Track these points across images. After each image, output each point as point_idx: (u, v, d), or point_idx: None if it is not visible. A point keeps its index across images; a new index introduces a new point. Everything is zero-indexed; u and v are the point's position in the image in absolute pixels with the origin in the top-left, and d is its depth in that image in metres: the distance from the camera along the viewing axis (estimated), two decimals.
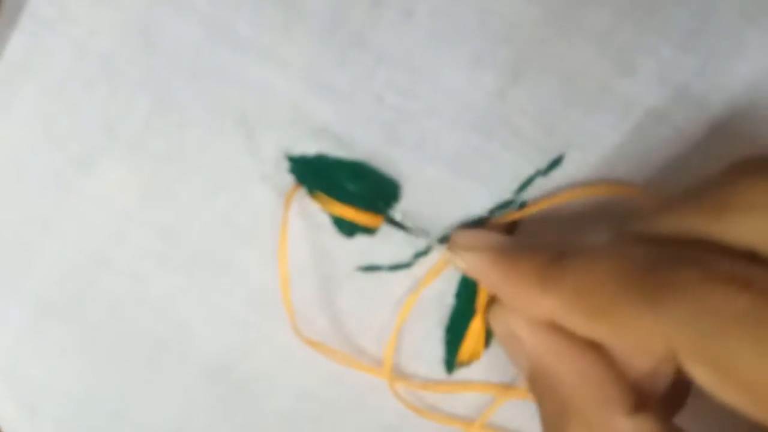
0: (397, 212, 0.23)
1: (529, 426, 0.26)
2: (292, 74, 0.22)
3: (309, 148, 0.22)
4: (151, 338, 0.24)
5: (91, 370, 0.25)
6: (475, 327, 0.25)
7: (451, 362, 0.25)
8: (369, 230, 0.23)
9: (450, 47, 0.22)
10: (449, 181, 0.23)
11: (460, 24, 0.22)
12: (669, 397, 0.21)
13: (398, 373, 0.25)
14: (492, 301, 0.23)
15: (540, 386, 0.21)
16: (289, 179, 0.23)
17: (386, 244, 0.23)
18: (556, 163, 0.23)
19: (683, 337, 0.17)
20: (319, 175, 0.22)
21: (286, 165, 0.22)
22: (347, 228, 0.23)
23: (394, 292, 0.24)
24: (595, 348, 0.20)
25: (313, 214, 0.23)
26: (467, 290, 0.24)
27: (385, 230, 0.23)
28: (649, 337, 0.18)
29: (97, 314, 0.24)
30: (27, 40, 0.21)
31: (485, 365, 0.25)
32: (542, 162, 0.23)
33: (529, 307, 0.20)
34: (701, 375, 0.17)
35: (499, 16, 0.22)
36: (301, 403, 0.25)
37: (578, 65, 0.22)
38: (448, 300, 0.25)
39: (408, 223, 0.23)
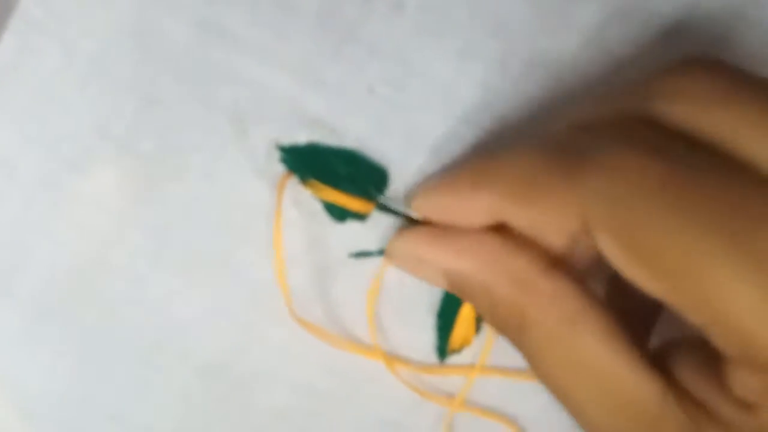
0: (386, 198, 0.23)
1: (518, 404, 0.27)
2: (284, 69, 0.22)
3: (300, 139, 0.23)
4: (148, 339, 0.24)
5: (87, 372, 0.25)
6: (466, 313, 0.25)
7: (443, 349, 0.26)
8: (360, 216, 0.23)
9: (439, 40, 0.22)
10: (436, 168, 0.23)
11: (449, 17, 0.22)
12: (636, 319, 0.22)
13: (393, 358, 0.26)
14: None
15: (463, 290, 0.21)
16: (281, 171, 0.23)
17: (375, 230, 0.24)
18: None
19: (594, 206, 0.18)
20: (310, 162, 0.23)
21: (277, 156, 0.23)
22: (338, 213, 0.23)
23: (384, 277, 0.25)
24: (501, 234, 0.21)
25: (304, 202, 0.23)
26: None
27: (375, 217, 0.24)
28: (565, 211, 0.18)
29: (93, 316, 0.24)
30: (17, 42, 0.21)
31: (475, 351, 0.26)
32: None
33: (469, 209, 0.21)
34: (609, 246, 0.17)
35: (488, 9, 0.22)
36: (298, 398, 0.25)
37: (563, 57, 0.23)
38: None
39: (397, 208, 0.23)
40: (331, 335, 0.25)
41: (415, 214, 0.23)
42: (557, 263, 0.20)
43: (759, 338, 0.16)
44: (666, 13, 0.23)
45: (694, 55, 0.19)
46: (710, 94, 0.18)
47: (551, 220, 0.19)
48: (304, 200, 0.23)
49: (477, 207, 0.20)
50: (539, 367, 0.20)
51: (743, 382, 0.17)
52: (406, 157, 0.23)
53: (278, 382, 0.25)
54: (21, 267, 0.24)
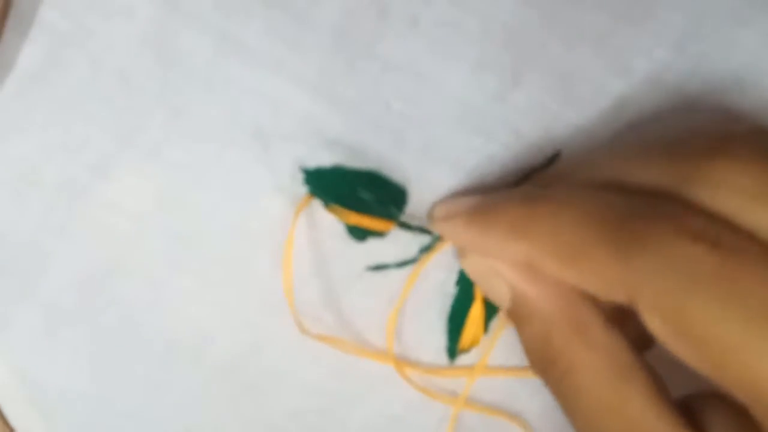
0: (405, 215, 0.24)
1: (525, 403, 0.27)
2: (302, 85, 0.22)
3: (322, 157, 0.23)
4: (164, 341, 0.25)
5: (105, 373, 0.25)
6: (475, 313, 0.26)
7: (453, 349, 0.26)
8: (379, 234, 0.24)
9: (453, 54, 0.22)
10: (452, 181, 0.24)
11: (462, 31, 0.22)
12: (636, 337, 0.22)
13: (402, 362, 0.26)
14: None
15: (521, 314, 0.21)
16: (303, 190, 0.23)
17: (393, 243, 0.24)
18: (552, 159, 0.24)
19: (645, 290, 0.18)
20: (333, 185, 0.23)
21: (300, 177, 0.23)
22: (360, 234, 0.24)
23: (401, 289, 0.25)
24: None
25: (325, 221, 0.24)
26: (467, 278, 0.25)
27: (394, 232, 0.24)
28: (613, 285, 0.19)
29: (111, 318, 0.24)
30: (41, 53, 0.21)
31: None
32: (541, 160, 0.24)
33: (503, 256, 0.21)
34: (657, 327, 0.18)
35: (500, 22, 0.22)
36: (309, 398, 0.26)
37: (575, 67, 0.23)
38: (449, 289, 0.25)
39: (415, 224, 0.24)
40: (345, 342, 0.25)
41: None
42: (618, 319, 0.20)
43: None
44: (677, 22, 0.23)
45: (738, 131, 0.19)
46: (755, 187, 0.18)
47: (592, 288, 0.19)
48: (325, 219, 0.24)
49: (512, 255, 0.20)
50: (578, 413, 0.20)
51: None
52: (423, 172, 0.23)
53: (290, 383, 0.26)
54: (42, 270, 0.24)
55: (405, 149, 0.23)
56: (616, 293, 0.19)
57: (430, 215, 0.23)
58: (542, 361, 0.21)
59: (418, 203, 0.24)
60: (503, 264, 0.21)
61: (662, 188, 0.19)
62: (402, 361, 0.26)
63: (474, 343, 0.26)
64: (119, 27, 0.21)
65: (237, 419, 0.26)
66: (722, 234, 0.18)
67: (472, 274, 0.23)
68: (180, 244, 0.24)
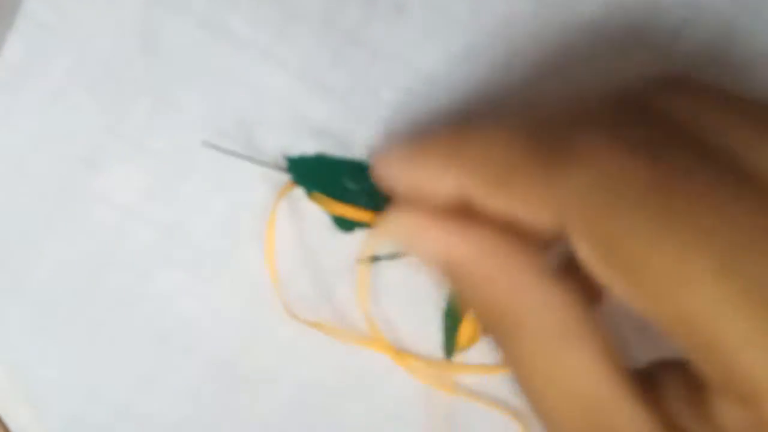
0: None
1: None
2: (289, 73, 0.22)
3: (308, 146, 0.23)
4: (155, 334, 0.25)
5: (94, 366, 0.25)
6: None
7: (450, 347, 0.26)
8: (367, 225, 0.23)
9: (443, 41, 0.22)
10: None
11: (451, 17, 0.22)
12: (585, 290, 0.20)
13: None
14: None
15: (457, 276, 0.19)
16: (287, 178, 0.23)
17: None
18: None
19: (572, 209, 0.16)
20: (317, 174, 0.23)
21: (284, 165, 0.23)
22: (346, 224, 0.23)
23: (392, 280, 0.25)
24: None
25: (310, 211, 0.23)
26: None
27: None
28: (540, 206, 0.17)
29: (101, 310, 0.24)
30: (26, 43, 0.21)
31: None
32: None
33: (436, 187, 0.19)
34: (586, 252, 0.16)
35: (491, 9, 0.22)
36: (304, 393, 0.26)
37: (570, 54, 0.23)
38: (446, 285, 0.25)
39: None
40: (337, 330, 0.25)
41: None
42: (556, 270, 0.18)
43: (743, 367, 0.14)
44: (670, 7, 0.22)
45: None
46: (716, 95, 0.16)
47: (523, 213, 0.17)
48: (311, 209, 0.23)
49: (445, 184, 0.19)
50: (522, 375, 0.18)
51: (726, 413, 0.16)
52: None
53: (284, 379, 0.26)
54: (31, 262, 0.24)
55: (394, 138, 0.23)
56: (544, 216, 0.17)
57: (372, 160, 0.22)
58: (488, 322, 0.19)
59: None
60: (433, 223, 0.19)
61: (613, 98, 0.18)
62: (398, 350, 0.25)
63: (472, 342, 0.26)
64: (103, 16, 0.21)
65: (229, 414, 0.26)
66: (665, 140, 0.16)
67: (398, 235, 0.21)
68: (169, 236, 0.24)
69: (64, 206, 0.23)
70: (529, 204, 0.17)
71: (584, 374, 0.17)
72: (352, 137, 0.23)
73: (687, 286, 0.14)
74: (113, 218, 0.23)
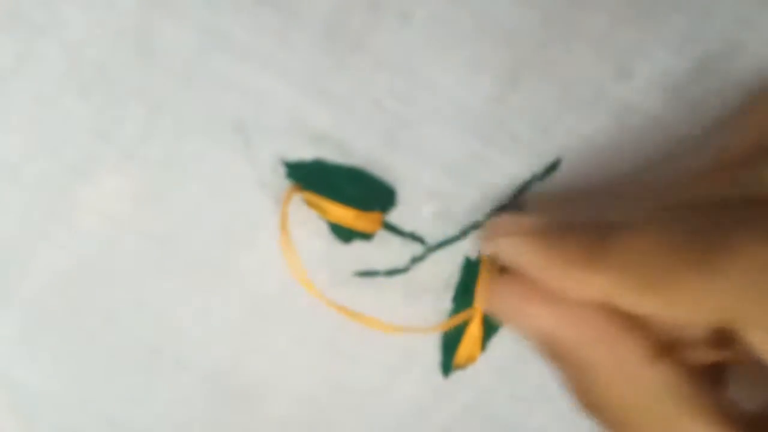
0: (394, 217, 0.23)
1: None
2: (289, 80, 0.22)
3: (306, 153, 0.22)
4: (148, 345, 0.24)
5: (87, 378, 0.25)
6: (473, 331, 0.25)
7: (447, 365, 0.25)
8: (366, 236, 0.23)
9: (448, 52, 0.22)
10: (446, 186, 0.23)
11: (457, 28, 0.22)
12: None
13: (397, 379, 0.25)
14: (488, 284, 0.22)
15: (557, 355, 0.20)
16: (286, 185, 0.22)
17: (383, 249, 0.23)
18: (552, 167, 0.23)
19: (741, 302, 0.16)
20: (316, 180, 0.22)
21: (283, 171, 0.22)
22: (344, 234, 0.23)
23: (390, 298, 0.24)
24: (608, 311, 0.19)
25: (309, 221, 0.23)
26: (464, 294, 0.24)
27: (382, 236, 0.23)
28: (704, 307, 0.17)
29: (93, 321, 0.24)
30: (16, 46, 0.21)
31: None
32: (540, 166, 0.23)
33: (577, 288, 0.19)
34: (761, 341, 0.16)
35: (497, 20, 0.22)
36: (299, 407, 0.25)
37: (576, 69, 0.22)
38: (446, 304, 0.25)
39: (404, 229, 0.23)
40: (363, 316, 0.24)
41: (432, 252, 0.22)
42: (668, 348, 0.19)
43: None
44: (677, 22, 0.22)
45: None
46: None
47: (681, 314, 0.18)
48: (310, 219, 0.23)
49: (587, 287, 0.19)
50: None
51: None
52: (414, 173, 0.23)
53: (278, 391, 0.25)
54: (22, 271, 0.24)
55: (395, 149, 0.22)
56: (707, 315, 0.17)
57: (488, 229, 0.22)
58: (589, 404, 0.19)
59: (407, 206, 0.23)
60: (534, 306, 0.20)
61: (745, 194, 0.18)
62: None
63: (470, 361, 0.25)
64: (97, 18, 0.21)
65: (222, 426, 0.25)
66: None
67: (498, 312, 0.22)
68: (162, 245, 0.23)
69: (56, 215, 0.23)
70: (687, 304, 0.17)
71: None
72: (353, 145, 0.22)
73: None
74: (105, 228, 0.23)
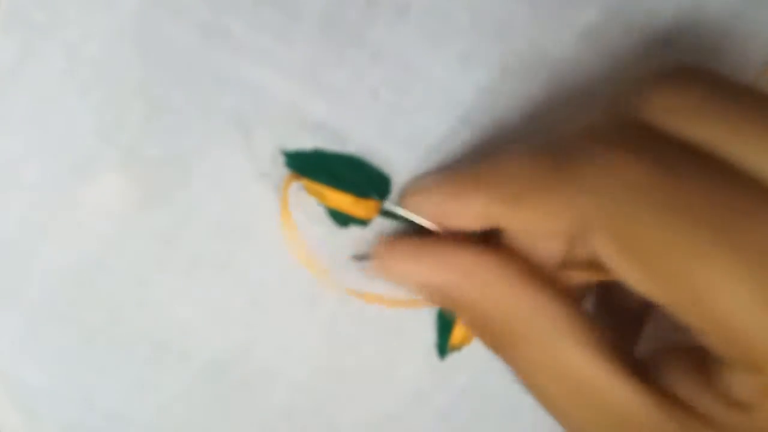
0: (389, 203, 0.23)
1: None
2: (287, 73, 0.22)
3: (304, 144, 0.23)
4: (151, 340, 0.24)
5: (90, 374, 0.25)
6: None
7: (443, 347, 0.26)
8: (362, 222, 0.24)
9: (441, 44, 0.22)
10: (430, 168, 0.24)
11: (451, 21, 0.22)
12: (624, 328, 0.22)
13: (394, 363, 0.26)
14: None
15: (449, 301, 0.21)
16: (284, 174, 0.23)
17: (377, 234, 0.24)
18: None
19: (589, 206, 0.18)
20: (314, 168, 0.23)
21: (282, 161, 0.23)
22: (342, 219, 0.23)
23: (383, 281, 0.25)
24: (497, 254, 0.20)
25: (307, 207, 0.23)
26: None
27: (377, 221, 0.24)
28: (559, 211, 0.18)
29: (96, 317, 0.24)
30: (16, 46, 0.21)
31: None
32: None
33: (463, 210, 0.21)
34: (604, 246, 0.18)
35: (491, 14, 0.22)
36: (300, 397, 0.26)
37: (565, 59, 0.23)
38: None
39: (400, 213, 0.23)
40: (380, 296, 0.25)
41: (420, 220, 0.23)
42: (546, 276, 0.20)
43: (754, 338, 0.16)
44: (664, 14, 0.23)
45: (683, 65, 0.19)
46: (700, 105, 0.18)
47: (545, 223, 0.19)
48: (308, 205, 0.23)
49: (472, 210, 0.20)
50: (525, 377, 0.20)
51: (738, 383, 0.17)
52: (409, 162, 0.23)
53: (280, 382, 0.25)
54: (25, 269, 0.24)
55: (391, 139, 0.23)
56: (567, 223, 0.18)
57: (403, 194, 0.23)
58: (491, 342, 0.21)
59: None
60: (409, 254, 0.21)
61: (611, 118, 0.19)
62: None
63: (465, 342, 0.26)
64: (98, 17, 0.21)
65: (226, 419, 0.26)
66: (662, 148, 0.18)
67: (386, 273, 0.22)
68: (164, 242, 0.23)
69: (59, 214, 0.23)
70: (547, 212, 0.19)
71: (581, 365, 0.19)
72: (350, 135, 0.23)
73: (695, 267, 0.16)
74: (107, 225, 0.23)
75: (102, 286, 0.24)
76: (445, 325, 0.26)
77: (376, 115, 0.23)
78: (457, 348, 0.26)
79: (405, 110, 0.23)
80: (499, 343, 0.20)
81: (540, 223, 0.19)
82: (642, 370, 0.19)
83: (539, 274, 0.20)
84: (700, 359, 0.18)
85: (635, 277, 0.17)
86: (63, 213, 0.23)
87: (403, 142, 0.23)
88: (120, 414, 0.25)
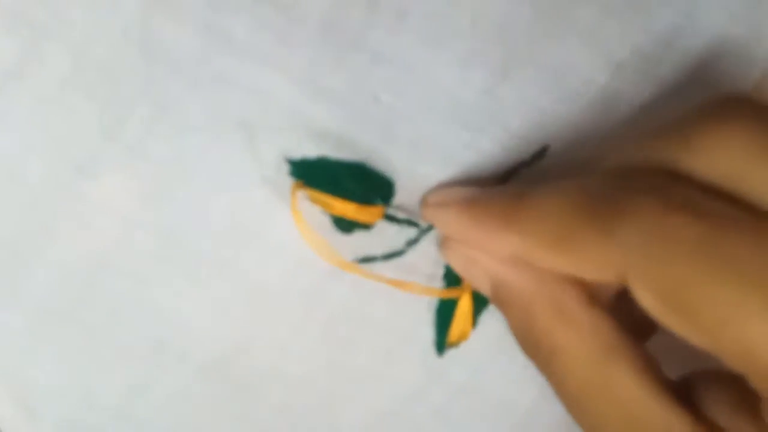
0: (393, 207, 0.24)
1: None
2: (290, 77, 0.22)
3: (308, 149, 0.23)
4: (151, 338, 0.25)
5: (91, 372, 0.25)
6: (463, 307, 0.26)
7: (441, 343, 0.26)
8: (366, 226, 0.24)
9: (442, 47, 0.22)
10: (440, 175, 0.24)
11: (452, 24, 0.22)
12: (636, 326, 0.22)
13: (392, 361, 0.26)
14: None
15: (503, 300, 0.22)
16: (289, 182, 0.23)
17: (380, 236, 0.24)
18: (539, 154, 0.24)
19: (633, 263, 0.18)
20: (318, 176, 0.23)
21: (286, 168, 0.23)
22: (346, 225, 0.24)
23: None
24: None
25: (311, 213, 0.23)
26: (454, 272, 0.25)
27: (380, 224, 0.24)
28: (601, 264, 0.18)
29: (97, 315, 0.24)
30: (19, 47, 0.21)
31: None
32: (529, 155, 0.24)
33: (495, 247, 0.21)
34: (648, 301, 0.18)
35: (490, 16, 0.22)
36: (299, 395, 0.26)
37: (565, 61, 0.23)
38: (437, 284, 0.25)
39: (402, 216, 0.24)
40: (371, 274, 0.24)
41: (424, 224, 0.23)
42: (595, 297, 0.20)
43: None
44: (665, 15, 0.23)
45: (726, 96, 0.19)
46: (746, 151, 0.18)
47: (583, 271, 0.19)
48: (311, 211, 0.23)
49: (503, 246, 0.20)
50: (566, 394, 0.20)
51: None
52: (411, 166, 0.23)
53: (279, 379, 0.26)
54: (27, 268, 0.23)
55: (393, 142, 0.23)
56: (606, 273, 0.18)
57: (423, 201, 0.23)
58: (528, 344, 0.21)
59: (405, 196, 0.24)
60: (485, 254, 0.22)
61: (653, 164, 0.19)
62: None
63: (462, 338, 0.26)
64: (101, 19, 0.21)
65: (226, 417, 0.26)
66: (705, 202, 0.17)
67: (453, 263, 0.23)
68: (166, 241, 0.23)
69: (61, 213, 0.23)
70: (589, 262, 0.19)
71: (628, 388, 0.19)
72: (352, 140, 0.23)
73: (741, 321, 0.16)
74: (110, 225, 0.23)
75: (103, 285, 0.24)
76: (443, 321, 0.26)
77: (378, 118, 0.23)
78: (455, 344, 0.26)
79: (406, 113, 0.23)
80: (541, 351, 0.21)
81: (577, 271, 0.19)
82: (683, 395, 0.19)
83: (591, 294, 0.20)
84: (745, 389, 0.18)
85: (681, 329, 0.17)
86: (65, 212, 0.23)
87: (405, 145, 0.23)
88: (120, 412, 0.26)
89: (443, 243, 0.23)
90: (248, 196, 0.23)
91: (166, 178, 0.23)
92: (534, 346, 0.21)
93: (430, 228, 0.24)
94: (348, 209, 0.23)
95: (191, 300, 0.24)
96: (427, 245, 0.25)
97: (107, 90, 0.21)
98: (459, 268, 0.23)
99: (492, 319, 0.26)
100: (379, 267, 0.25)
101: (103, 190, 0.23)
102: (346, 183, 0.23)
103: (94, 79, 0.21)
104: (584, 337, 0.20)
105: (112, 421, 0.26)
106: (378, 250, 0.24)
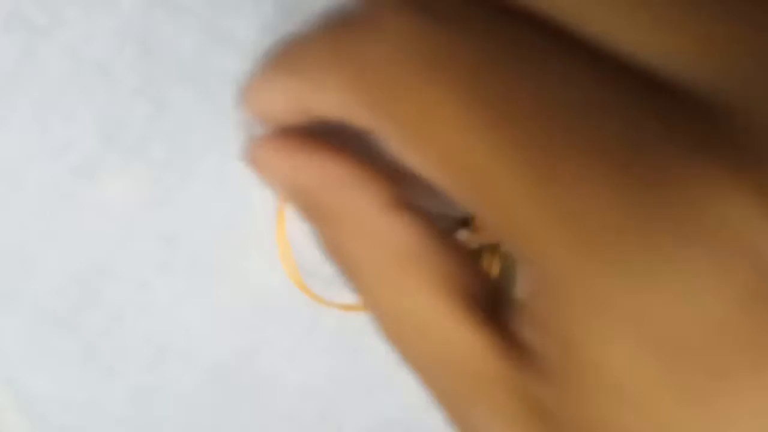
0: None
1: None
2: None
3: None
4: (155, 344, 0.24)
5: (94, 377, 0.25)
6: None
7: None
8: None
9: None
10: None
11: None
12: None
13: (398, 368, 0.26)
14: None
15: (307, 207, 0.18)
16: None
17: None
18: None
19: (368, 87, 0.15)
20: None
21: None
22: None
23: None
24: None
25: (305, 226, 0.23)
26: None
27: None
28: (330, 81, 0.16)
29: (99, 321, 0.24)
30: (17, 48, 0.21)
31: None
32: None
33: (272, 98, 0.18)
34: (367, 121, 0.15)
35: None
36: (305, 401, 0.26)
37: None
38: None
39: None
40: (338, 304, 0.24)
41: None
42: (400, 198, 0.17)
43: (522, 223, 0.13)
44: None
45: None
46: None
47: (319, 96, 0.16)
48: (303, 225, 0.23)
49: (277, 95, 0.17)
50: (369, 307, 0.17)
51: (523, 285, 0.14)
52: None
53: (284, 386, 0.25)
54: (28, 273, 0.24)
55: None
56: (338, 96, 0.15)
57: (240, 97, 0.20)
58: (335, 258, 0.17)
59: None
60: (280, 157, 0.18)
61: None
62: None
63: None
64: (100, 19, 0.21)
65: (230, 423, 0.26)
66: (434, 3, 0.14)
67: (254, 164, 0.19)
68: (168, 245, 0.23)
69: (61, 217, 0.23)
70: (329, 90, 0.16)
71: (418, 303, 0.16)
72: None
73: (466, 145, 0.13)
74: (111, 228, 0.23)
75: (105, 289, 0.24)
76: None
77: None
78: None
79: None
80: (349, 265, 0.17)
81: (314, 94, 0.16)
82: (490, 308, 0.16)
83: (398, 195, 0.17)
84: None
85: (408, 153, 0.15)
86: (65, 215, 0.23)
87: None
88: (123, 418, 0.25)
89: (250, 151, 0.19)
90: (248, 197, 0.23)
91: (166, 180, 0.23)
92: (340, 258, 0.17)
93: None
94: None
95: (193, 304, 0.24)
96: None
97: (105, 91, 0.22)
98: (261, 173, 0.19)
99: None
100: None
101: (103, 193, 0.23)
102: None
103: (93, 79, 0.21)
104: (376, 249, 0.16)
105: (116, 427, 0.25)
106: None
